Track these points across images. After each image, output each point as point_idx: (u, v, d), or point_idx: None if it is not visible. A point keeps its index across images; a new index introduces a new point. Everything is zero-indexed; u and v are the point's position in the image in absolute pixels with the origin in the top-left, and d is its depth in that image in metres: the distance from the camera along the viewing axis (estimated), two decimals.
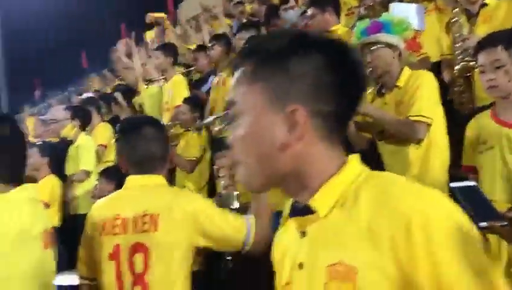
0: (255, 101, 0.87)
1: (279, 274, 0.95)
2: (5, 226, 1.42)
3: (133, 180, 1.93)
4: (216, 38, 4.77)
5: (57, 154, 4.75)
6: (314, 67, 0.85)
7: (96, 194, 3.39)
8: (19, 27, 12.29)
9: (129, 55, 6.14)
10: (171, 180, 4.09)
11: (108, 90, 6.47)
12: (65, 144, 5.07)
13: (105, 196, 2.04)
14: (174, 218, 1.84)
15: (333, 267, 0.81)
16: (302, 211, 0.88)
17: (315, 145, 0.86)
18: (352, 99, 0.89)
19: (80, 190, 4.71)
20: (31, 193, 1.57)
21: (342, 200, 0.84)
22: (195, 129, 4.30)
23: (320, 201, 0.86)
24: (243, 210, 2.03)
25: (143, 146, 1.91)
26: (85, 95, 6.49)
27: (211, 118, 4.17)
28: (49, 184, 4.49)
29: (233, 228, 1.88)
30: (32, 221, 1.52)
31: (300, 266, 0.87)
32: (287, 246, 0.93)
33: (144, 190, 1.91)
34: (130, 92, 5.58)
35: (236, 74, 0.90)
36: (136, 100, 5.55)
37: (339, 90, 0.86)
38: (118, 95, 5.43)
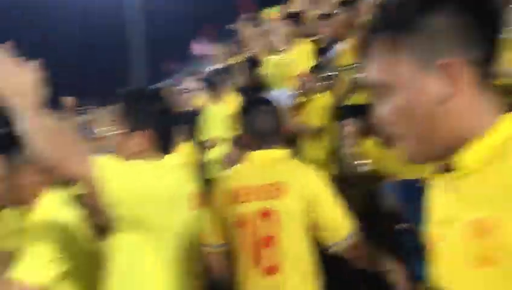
0: (403, 71, 0.86)
1: (429, 227, 0.96)
2: (161, 190, 1.59)
3: (258, 154, 2.02)
4: (341, 5, 4.67)
5: (190, 122, 5.08)
6: (452, 18, 0.83)
7: (227, 161, 3.60)
8: (157, 13, 13.76)
9: (254, 26, 6.28)
10: (294, 148, 4.17)
11: (234, 62, 6.69)
12: (197, 112, 5.40)
13: (235, 161, 2.16)
14: (299, 189, 1.93)
15: (475, 224, 0.80)
16: (449, 167, 0.88)
17: (472, 98, 0.84)
18: (493, 41, 0.85)
19: (211, 156, 5.02)
20: (178, 158, 1.74)
21: (491, 159, 0.82)
22: (320, 82, 4.26)
23: (467, 158, 0.84)
24: (370, 177, 2.04)
25: (264, 119, 2.02)
26: (214, 67, 6.79)
27: (339, 69, 4.12)
28: (184, 151, 4.83)
29: (335, 223, 1.93)
30: (182, 184, 1.69)
31: (445, 221, 0.88)
32: (435, 200, 0.94)
33: (270, 162, 2.00)
34: (255, 62, 5.73)
35: (374, 50, 0.89)
36: (261, 70, 5.68)
37: (480, 33, 0.83)
38: (237, 67, 5.60)
